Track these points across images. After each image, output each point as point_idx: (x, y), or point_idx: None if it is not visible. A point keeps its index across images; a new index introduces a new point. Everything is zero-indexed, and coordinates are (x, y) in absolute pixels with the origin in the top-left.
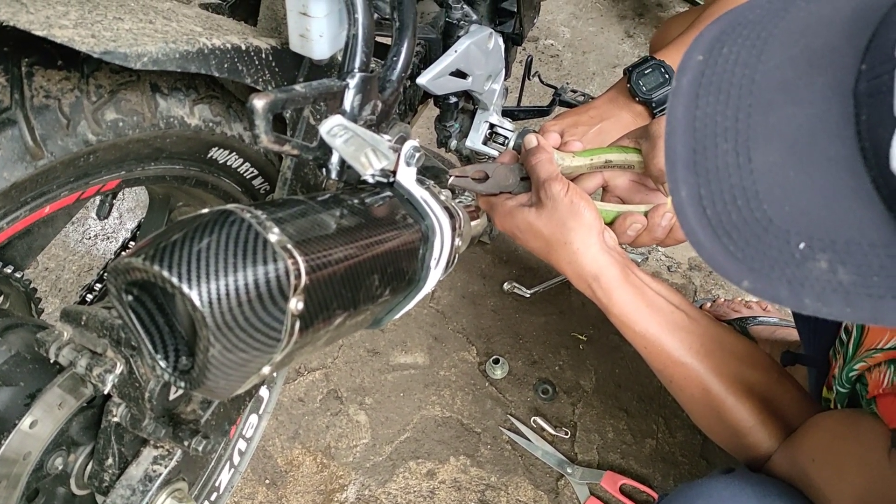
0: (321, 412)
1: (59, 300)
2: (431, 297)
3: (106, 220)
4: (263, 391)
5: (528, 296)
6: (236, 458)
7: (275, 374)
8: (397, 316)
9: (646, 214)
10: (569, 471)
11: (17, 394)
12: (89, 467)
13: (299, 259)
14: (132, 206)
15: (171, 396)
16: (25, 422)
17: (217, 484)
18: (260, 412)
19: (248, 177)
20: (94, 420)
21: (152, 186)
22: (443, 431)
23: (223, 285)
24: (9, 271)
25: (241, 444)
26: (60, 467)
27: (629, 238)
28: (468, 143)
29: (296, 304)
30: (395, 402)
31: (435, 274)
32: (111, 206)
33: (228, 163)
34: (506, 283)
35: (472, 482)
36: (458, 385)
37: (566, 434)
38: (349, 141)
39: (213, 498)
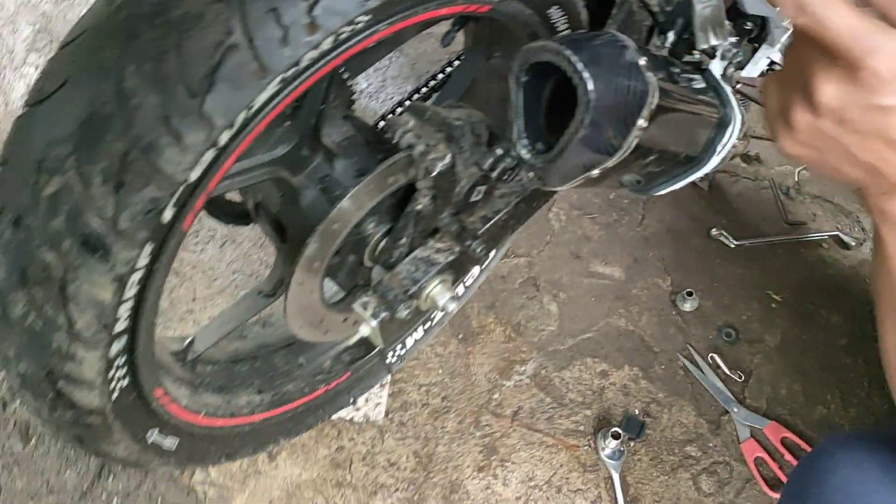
0: (518, 293)
1: None
2: (640, 222)
3: (370, 82)
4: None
5: (734, 246)
6: (460, 290)
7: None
8: (664, 191)
9: None
10: (735, 409)
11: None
12: (382, 244)
13: (657, 85)
14: (395, 74)
15: (472, 199)
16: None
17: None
18: (483, 266)
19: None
20: (398, 205)
21: (477, 30)
22: (623, 341)
23: (608, 82)
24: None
25: (461, 288)
26: (369, 232)
27: None
28: (744, 73)
29: (642, 123)
30: (585, 304)
31: (714, 160)
32: (453, 36)
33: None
34: (714, 229)
35: (640, 392)
36: (647, 306)
37: (740, 377)
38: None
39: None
